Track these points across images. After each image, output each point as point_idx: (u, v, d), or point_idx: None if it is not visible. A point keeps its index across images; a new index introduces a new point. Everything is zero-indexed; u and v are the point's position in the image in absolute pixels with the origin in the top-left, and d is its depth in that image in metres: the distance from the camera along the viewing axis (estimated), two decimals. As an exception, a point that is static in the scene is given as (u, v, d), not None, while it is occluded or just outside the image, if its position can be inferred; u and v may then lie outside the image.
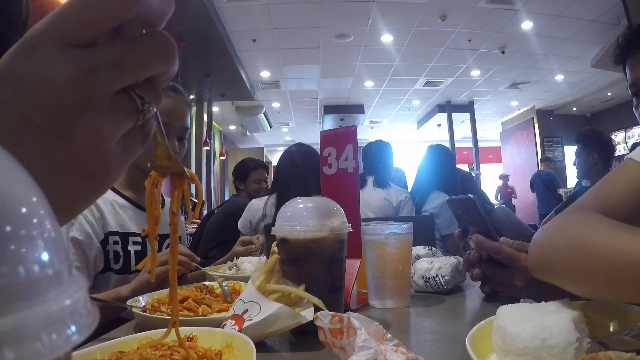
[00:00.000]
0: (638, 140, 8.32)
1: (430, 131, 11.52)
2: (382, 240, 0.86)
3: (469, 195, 0.90)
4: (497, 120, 11.71)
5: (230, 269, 1.35)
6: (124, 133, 0.31)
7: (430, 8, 5.39)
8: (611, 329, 0.56)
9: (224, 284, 0.99)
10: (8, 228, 0.13)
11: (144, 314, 0.79)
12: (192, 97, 7.92)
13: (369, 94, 9.17)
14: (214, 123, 9.48)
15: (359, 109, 9.94)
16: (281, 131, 12.43)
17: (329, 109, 9.90)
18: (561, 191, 7.27)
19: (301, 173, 2.05)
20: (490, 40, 6.38)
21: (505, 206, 1.31)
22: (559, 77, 8.17)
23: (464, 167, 7.45)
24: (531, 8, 5.36)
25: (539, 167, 8.47)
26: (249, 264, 1.35)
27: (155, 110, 0.32)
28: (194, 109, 8.09)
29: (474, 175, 6.28)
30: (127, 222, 1.24)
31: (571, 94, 9.25)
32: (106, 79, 0.28)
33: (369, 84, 8.44)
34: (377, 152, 2.69)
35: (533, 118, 10.41)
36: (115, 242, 1.19)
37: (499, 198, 9.14)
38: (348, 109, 9.89)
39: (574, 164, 2.94)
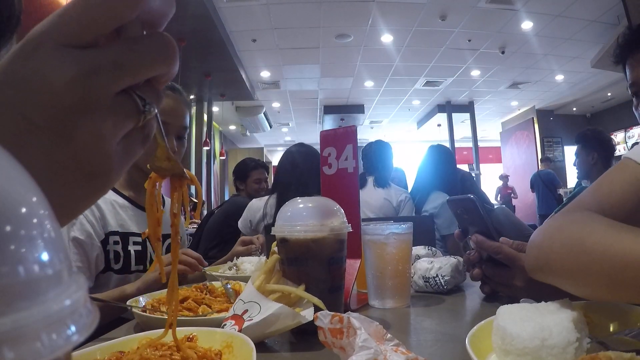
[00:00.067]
0: (638, 140, 8.32)
1: (430, 131, 11.52)
2: (382, 240, 0.86)
3: (469, 195, 0.90)
4: (497, 120, 11.71)
5: (230, 269, 1.35)
6: (125, 134, 0.31)
7: (430, 8, 5.39)
8: (611, 329, 0.56)
9: (228, 285, 0.99)
10: (8, 228, 0.13)
11: (144, 314, 0.80)
12: (192, 97, 7.92)
13: (369, 94, 9.16)
14: (214, 123, 9.48)
15: (359, 109, 9.94)
16: (281, 131, 12.43)
17: (329, 109, 9.90)
18: (561, 191, 7.27)
19: (301, 173, 2.05)
20: (490, 40, 6.38)
21: (505, 206, 1.31)
22: (559, 77, 8.17)
23: (464, 167, 7.44)
24: (531, 8, 5.36)
25: (539, 167, 8.46)
26: (249, 264, 1.35)
27: (156, 111, 0.32)
28: (194, 109, 8.09)
29: (473, 175, 6.28)
30: (128, 222, 1.24)
31: (571, 94, 9.25)
32: (107, 80, 0.28)
33: (369, 84, 8.44)
34: (377, 152, 2.69)
35: (533, 118, 10.41)
36: (116, 242, 1.19)
37: (498, 199, 9.14)
38: (348, 109, 9.89)
39: (574, 165, 2.94)
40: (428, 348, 0.62)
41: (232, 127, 11.32)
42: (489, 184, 10.18)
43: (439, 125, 10.85)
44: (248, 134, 11.59)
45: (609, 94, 9.17)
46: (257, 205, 2.21)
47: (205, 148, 8.31)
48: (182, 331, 0.56)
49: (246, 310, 0.65)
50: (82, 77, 0.27)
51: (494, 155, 12.74)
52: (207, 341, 0.57)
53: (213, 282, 1.04)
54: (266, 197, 2.25)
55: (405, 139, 13.01)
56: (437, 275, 0.96)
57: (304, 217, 0.71)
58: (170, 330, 0.44)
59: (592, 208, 0.65)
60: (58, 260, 0.15)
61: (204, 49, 5.78)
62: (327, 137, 0.97)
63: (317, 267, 0.69)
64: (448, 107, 9.95)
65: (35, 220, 0.15)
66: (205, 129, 8.38)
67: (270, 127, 11.02)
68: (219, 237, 2.67)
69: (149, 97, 0.31)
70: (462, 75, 8.00)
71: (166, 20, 0.32)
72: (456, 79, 8.19)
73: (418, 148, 9.46)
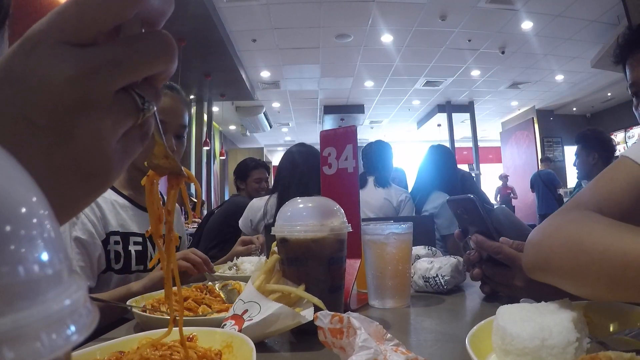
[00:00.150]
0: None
1: (430, 131, 11.52)
2: (382, 240, 0.86)
3: (469, 195, 0.90)
4: (497, 120, 11.71)
5: (230, 269, 1.35)
6: (124, 132, 0.31)
7: (430, 8, 5.39)
8: (611, 329, 0.56)
9: (228, 286, 0.99)
10: (8, 228, 0.13)
11: (144, 314, 0.80)
12: (192, 97, 7.92)
13: (369, 94, 9.17)
14: (214, 123, 9.48)
15: (359, 109, 9.94)
16: (281, 131, 12.43)
17: (329, 109, 9.90)
18: (561, 191, 7.27)
19: (302, 173, 2.05)
20: (490, 40, 6.38)
21: (505, 206, 1.31)
22: (559, 77, 8.17)
23: (464, 167, 7.44)
24: (531, 8, 5.36)
25: (539, 167, 8.46)
26: (249, 264, 1.35)
27: (154, 109, 0.32)
28: (194, 109, 8.09)
29: (473, 175, 6.28)
30: (128, 222, 1.24)
31: (571, 94, 9.25)
32: (106, 78, 0.28)
33: (369, 84, 8.44)
34: (377, 152, 2.70)
35: (533, 118, 10.41)
36: (116, 242, 1.19)
37: (498, 199, 9.15)
38: (348, 109, 9.89)
39: (574, 165, 2.94)
40: (428, 348, 0.62)
41: (232, 127, 11.32)
42: (489, 184, 10.18)
43: (439, 125, 10.85)
44: (248, 134, 11.59)
45: (609, 94, 9.17)
46: (258, 205, 2.21)
47: (205, 148, 8.32)
48: (177, 325, 0.56)
49: (246, 310, 0.65)
50: (81, 76, 0.27)
51: (494, 155, 12.74)
52: (207, 341, 0.57)
53: (212, 282, 1.04)
54: (267, 196, 2.25)
55: (405, 139, 13.01)
56: (437, 275, 0.96)
57: (304, 217, 0.71)
58: (173, 330, 0.44)
59: (590, 207, 0.65)
60: (58, 260, 0.15)
61: (204, 49, 5.78)
62: (327, 137, 0.97)
63: (317, 267, 0.69)
64: (448, 107, 9.95)
65: (35, 220, 0.15)
66: (205, 129, 8.38)
67: (270, 127, 11.02)
68: (219, 237, 2.67)
69: (147, 95, 0.31)
70: (462, 75, 8.00)
71: (165, 18, 0.32)
72: (456, 79, 8.19)
73: (418, 148, 9.47)
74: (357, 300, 0.93)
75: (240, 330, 0.61)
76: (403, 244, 0.87)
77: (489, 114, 11.01)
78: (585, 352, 0.45)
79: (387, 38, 6.31)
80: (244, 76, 7.21)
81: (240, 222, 2.28)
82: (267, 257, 0.75)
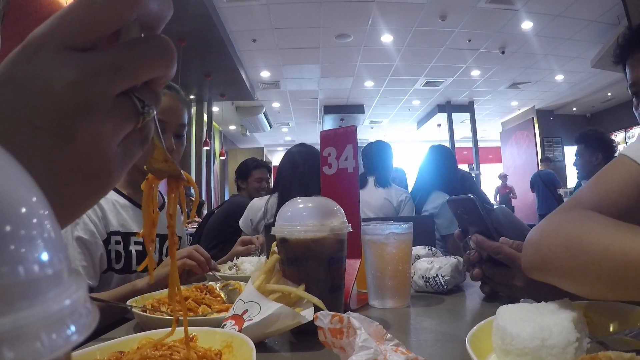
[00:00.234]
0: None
1: (430, 131, 11.52)
2: (382, 240, 0.86)
3: (469, 195, 0.90)
4: (497, 120, 11.71)
5: (230, 269, 1.36)
6: (124, 136, 0.31)
7: (430, 8, 5.39)
8: (611, 329, 0.56)
9: (229, 286, 0.99)
10: (8, 228, 0.13)
11: (144, 314, 0.80)
12: (192, 97, 7.92)
13: (369, 94, 9.16)
14: (214, 123, 9.48)
15: (359, 109, 9.94)
16: (281, 131, 12.43)
17: (329, 109, 9.90)
18: (561, 191, 7.27)
19: (302, 173, 2.05)
20: (490, 40, 6.38)
21: (505, 206, 1.31)
22: (559, 77, 8.17)
23: (464, 167, 7.45)
24: (531, 8, 5.36)
25: (539, 167, 8.46)
26: (249, 264, 1.35)
27: (154, 112, 0.32)
28: (193, 109, 8.09)
29: (473, 175, 6.28)
30: (129, 222, 1.24)
31: (571, 94, 9.25)
32: (107, 82, 0.28)
33: (369, 84, 8.44)
34: (377, 152, 2.70)
35: (533, 118, 10.41)
36: (117, 242, 1.19)
37: (497, 198, 9.15)
38: (348, 109, 9.88)
39: (575, 165, 2.94)
40: (428, 348, 0.62)
41: (232, 127, 11.32)
42: (489, 184, 10.19)
43: (439, 125, 10.85)
44: (248, 134, 11.59)
45: (609, 94, 9.16)
46: (258, 205, 2.21)
47: (205, 148, 8.32)
48: (181, 331, 0.56)
49: (246, 310, 0.65)
50: (83, 80, 0.27)
51: (494, 155, 12.74)
52: (207, 341, 0.57)
53: (212, 282, 1.04)
54: (267, 196, 2.25)
55: (405, 139, 13.01)
56: (437, 275, 0.96)
57: (304, 217, 0.71)
58: (175, 330, 0.44)
59: (589, 206, 0.65)
60: (58, 260, 0.15)
61: (204, 49, 5.78)
62: (327, 137, 0.97)
63: (317, 267, 0.69)
64: (448, 107, 9.95)
65: (35, 220, 0.15)
66: (205, 129, 8.38)
67: (270, 127, 11.02)
68: (219, 237, 2.67)
69: (147, 98, 0.31)
70: (462, 75, 8.00)
71: (164, 22, 0.32)
72: (456, 79, 8.19)
73: (418, 148, 9.47)
74: (357, 300, 0.93)
75: (240, 330, 0.61)
76: (403, 244, 0.87)
77: (489, 114, 11.01)
78: (585, 352, 0.45)
79: (387, 38, 6.31)
80: (244, 76, 7.21)
81: (240, 222, 2.28)
82: (267, 257, 0.75)
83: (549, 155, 9.55)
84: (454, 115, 10.03)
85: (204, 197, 8.36)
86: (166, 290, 0.96)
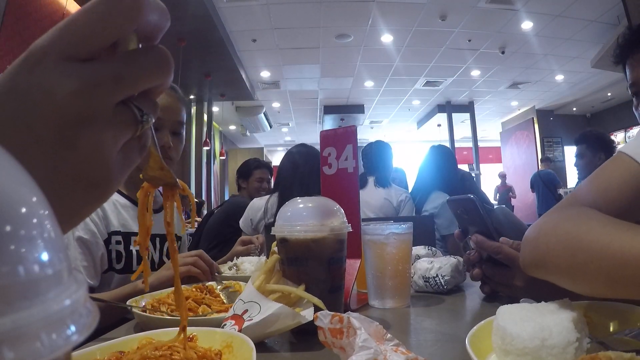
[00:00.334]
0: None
1: (430, 131, 11.52)
2: (382, 240, 0.86)
3: (469, 195, 0.90)
4: (497, 120, 11.71)
5: (230, 269, 1.35)
6: (123, 144, 0.32)
7: (430, 8, 5.39)
8: (611, 329, 0.56)
9: (230, 288, 0.99)
10: (8, 228, 0.13)
11: (144, 314, 0.80)
12: (192, 97, 7.93)
13: (369, 94, 9.17)
14: (214, 123, 9.48)
15: (359, 109, 9.94)
16: (281, 131, 12.43)
17: (329, 109, 9.90)
18: (561, 191, 7.26)
19: (302, 174, 2.05)
20: (490, 40, 6.38)
21: (505, 206, 1.31)
22: (559, 77, 8.17)
23: (464, 167, 7.45)
24: (531, 8, 5.36)
25: (539, 167, 8.46)
26: (249, 264, 1.35)
27: (153, 120, 0.33)
28: (193, 109, 8.09)
29: (473, 175, 6.28)
30: (129, 222, 1.24)
31: (571, 94, 9.25)
32: (108, 92, 0.29)
33: (369, 84, 8.44)
34: (377, 152, 2.70)
35: (533, 118, 10.41)
36: (118, 242, 1.20)
37: (497, 197, 9.17)
38: (348, 109, 9.89)
39: (576, 166, 2.94)
40: (428, 348, 0.62)
41: (232, 127, 11.32)
42: (489, 184, 10.19)
43: (439, 125, 10.85)
44: (248, 134, 11.59)
45: (609, 94, 9.16)
46: (259, 205, 2.22)
47: (205, 148, 8.32)
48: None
49: (246, 310, 0.65)
50: (84, 90, 0.28)
51: (494, 155, 12.75)
52: (207, 341, 0.57)
53: (213, 283, 1.04)
54: (267, 196, 2.25)
55: (405, 139, 13.01)
56: (437, 275, 0.96)
57: (304, 217, 0.71)
58: (171, 330, 0.45)
59: (587, 203, 0.65)
60: (58, 260, 0.15)
61: (204, 49, 5.78)
62: (327, 137, 0.97)
63: (317, 267, 0.69)
64: (448, 107, 9.95)
65: (35, 220, 0.15)
66: (205, 129, 8.39)
67: (270, 127, 11.02)
68: (218, 237, 2.67)
69: (146, 107, 0.32)
70: (462, 75, 8.00)
71: (162, 33, 0.33)
72: (456, 79, 8.19)
73: (418, 148, 9.48)
74: (357, 300, 0.93)
75: (240, 330, 0.61)
76: (403, 244, 0.87)
77: (489, 114, 11.01)
78: (585, 352, 0.45)
79: (387, 38, 6.31)
80: (244, 76, 7.21)
81: (241, 221, 2.29)
82: (267, 257, 0.75)
83: (549, 155, 9.55)
84: (454, 115, 10.04)
85: (204, 197, 8.36)
86: (166, 290, 0.96)
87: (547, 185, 7.06)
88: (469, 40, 6.38)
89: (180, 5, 4.38)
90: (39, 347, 0.13)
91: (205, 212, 6.19)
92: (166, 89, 0.34)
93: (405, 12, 5.49)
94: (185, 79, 6.75)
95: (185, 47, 5.32)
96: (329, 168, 0.95)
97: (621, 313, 0.57)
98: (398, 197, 2.55)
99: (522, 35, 6.18)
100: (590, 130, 2.98)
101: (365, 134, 11.66)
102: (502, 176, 9.68)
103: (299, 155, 2.13)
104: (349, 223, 0.74)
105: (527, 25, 5.85)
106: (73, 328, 0.14)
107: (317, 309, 0.62)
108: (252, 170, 3.20)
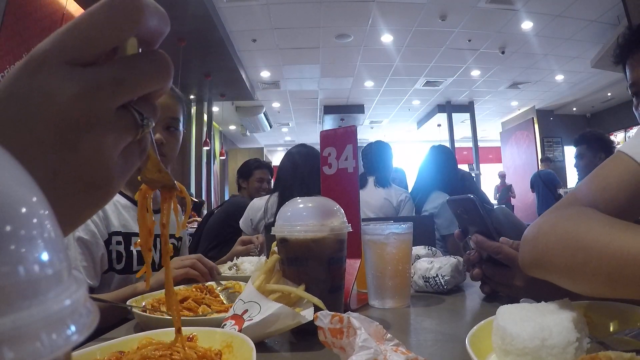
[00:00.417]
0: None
1: (430, 131, 11.52)
2: (382, 240, 0.86)
3: (469, 195, 0.90)
4: (497, 120, 11.71)
5: (230, 269, 1.36)
6: (124, 147, 0.32)
7: (430, 8, 5.39)
8: (611, 329, 0.56)
9: (230, 289, 0.99)
10: (8, 228, 0.13)
11: (144, 314, 0.80)
12: (192, 97, 7.92)
13: (369, 94, 9.17)
14: (214, 123, 9.48)
15: (359, 109, 9.94)
16: (281, 131, 12.43)
17: (329, 109, 9.90)
18: (561, 191, 7.27)
19: (302, 174, 2.05)
20: (490, 40, 6.38)
21: (505, 206, 1.31)
22: (559, 77, 8.17)
23: (464, 167, 7.45)
24: (531, 8, 5.36)
25: (539, 167, 8.46)
26: (249, 264, 1.35)
27: (153, 124, 0.33)
28: (193, 109, 8.09)
29: (473, 175, 6.29)
30: (130, 223, 1.24)
31: (571, 94, 9.25)
32: (108, 96, 0.29)
33: (369, 84, 8.44)
34: (377, 152, 2.70)
35: (533, 118, 10.41)
36: (118, 243, 1.20)
37: (497, 197, 9.17)
38: (348, 109, 9.89)
39: (575, 166, 2.94)
40: (428, 348, 0.62)
41: (232, 127, 11.32)
42: (489, 184, 10.19)
43: (439, 125, 10.85)
44: (248, 134, 11.59)
45: (609, 94, 9.17)
46: (259, 205, 2.22)
47: (205, 148, 8.31)
48: (182, 331, 0.56)
49: (246, 310, 0.65)
50: (85, 94, 0.29)
51: (494, 155, 12.75)
52: (207, 341, 0.57)
53: (213, 283, 1.04)
54: (267, 196, 2.25)
55: (405, 139, 13.01)
56: (437, 275, 0.96)
57: (304, 217, 0.71)
58: (171, 330, 0.45)
59: (586, 203, 0.65)
60: (58, 260, 0.15)
61: (204, 49, 5.78)
62: (327, 137, 0.97)
63: (317, 267, 0.69)
64: (448, 107, 9.95)
65: (35, 220, 0.15)
66: (205, 129, 8.38)
67: (270, 127, 11.02)
68: (218, 237, 2.67)
69: (146, 111, 0.32)
70: (462, 75, 8.00)
71: (162, 37, 0.33)
72: (456, 79, 8.19)
73: (418, 148, 9.48)
74: (357, 300, 0.93)
75: (240, 330, 0.61)
76: (403, 244, 0.87)
77: (489, 114, 11.01)
78: (585, 352, 0.45)
79: (387, 38, 6.31)
80: (244, 76, 7.21)
81: (241, 221, 2.29)
82: (267, 257, 0.75)
83: (549, 155, 9.55)
84: (454, 115, 10.04)
85: (204, 197, 8.36)
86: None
87: (547, 185, 7.07)
88: (469, 40, 6.38)
89: (180, 5, 4.38)
90: (39, 347, 0.13)
91: (205, 212, 6.19)
92: (165, 92, 0.34)
93: (405, 12, 5.49)
94: (185, 79, 6.74)
95: (185, 47, 5.32)
96: (329, 168, 0.95)
97: (621, 313, 0.57)
98: (398, 197, 2.55)
99: (522, 35, 6.18)
100: (590, 130, 2.98)
101: (365, 134, 11.66)
102: (502, 176, 9.70)
103: (299, 156, 2.13)
104: (349, 223, 0.74)
105: (527, 25, 5.85)
106: (73, 328, 0.14)
107: (317, 309, 0.62)
108: (252, 170, 3.21)
